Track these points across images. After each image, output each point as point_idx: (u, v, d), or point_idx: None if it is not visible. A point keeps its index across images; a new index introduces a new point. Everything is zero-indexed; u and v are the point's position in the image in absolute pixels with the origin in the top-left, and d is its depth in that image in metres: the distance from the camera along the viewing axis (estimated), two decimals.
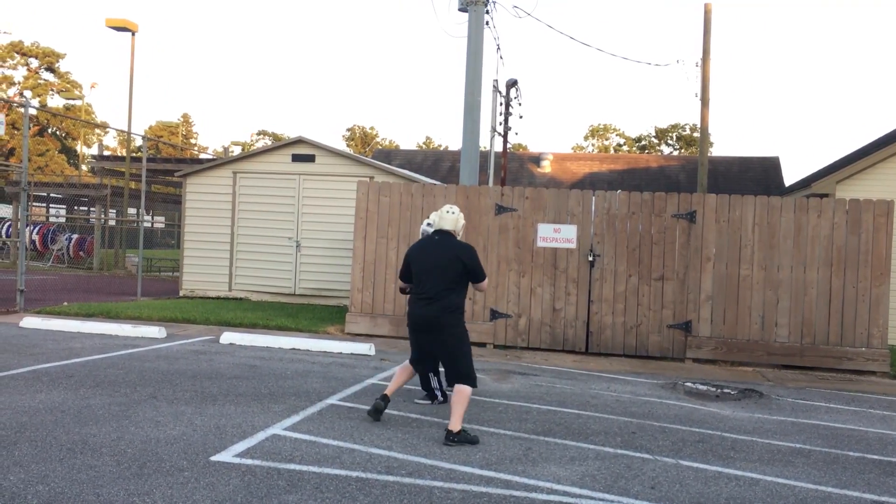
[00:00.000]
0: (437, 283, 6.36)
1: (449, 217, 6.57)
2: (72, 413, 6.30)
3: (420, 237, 7.11)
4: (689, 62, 51.49)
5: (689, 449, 6.28)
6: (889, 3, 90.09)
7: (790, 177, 54.10)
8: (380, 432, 6.22)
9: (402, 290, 6.96)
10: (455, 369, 6.32)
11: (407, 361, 6.90)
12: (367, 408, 7.02)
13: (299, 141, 16.63)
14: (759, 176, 26.62)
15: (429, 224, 7.08)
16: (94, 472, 4.84)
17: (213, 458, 5.25)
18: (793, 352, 11.21)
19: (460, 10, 16.59)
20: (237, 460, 5.24)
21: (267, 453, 5.44)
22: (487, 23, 16.92)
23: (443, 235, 6.55)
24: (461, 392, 6.14)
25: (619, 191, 12.32)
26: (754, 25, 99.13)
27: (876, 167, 13.80)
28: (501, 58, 31.94)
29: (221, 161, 17.33)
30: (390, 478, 5.07)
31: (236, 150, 57.38)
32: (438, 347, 6.45)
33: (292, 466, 5.18)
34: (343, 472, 5.11)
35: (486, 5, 15.88)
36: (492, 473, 5.30)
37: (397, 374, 6.83)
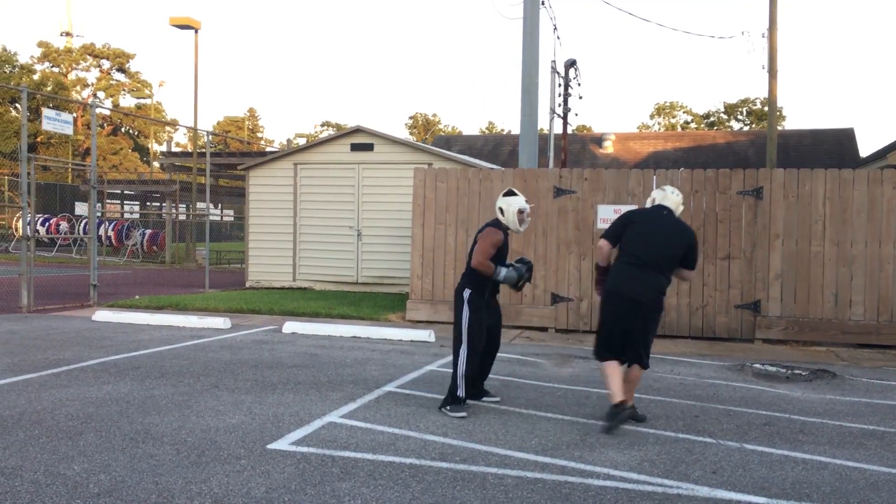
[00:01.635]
0: (658, 256, 6.05)
1: (673, 197, 6.30)
2: (136, 403, 6.47)
3: (514, 215, 6.55)
4: (756, 33, 49.87)
5: (754, 432, 6.08)
6: None
7: (866, 148, 52.03)
8: (435, 419, 6.19)
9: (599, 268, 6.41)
10: (647, 350, 6.15)
11: (600, 357, 6.17)
12: (425, 394, 7.01)
13: (357, 130, 16.72)
14: (832, 149, 25.64)
15: (526, 201, 6.68)
16: (154, 461, 4.95)
17: (270, 446, 5.31)
18: (868, 330, 10.76)
19: None
20: (293, 448, 5.29)
21: (322, 441, 5.48)
22: (543, 2, 16.68)
23: (669, 212, 6.24)
24: (639, 373, 6.17)
25: (681, 169, 12.00)
26: None
27: None
28: (559, 38, 31.53)
29: (282, 153, 17.57)
30: (444, 464, 5.04)
31: (301, 142, 58.15)
32: (639, 324, 6.04)
33: (347, 454, 5.19)
34: (397, 459, 5.11)
35: None
36: (547, 459, 5.22)
37: (612, 377, 6.07)
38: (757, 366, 9.09)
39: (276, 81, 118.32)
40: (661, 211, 6.23)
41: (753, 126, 63.86)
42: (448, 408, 6.34)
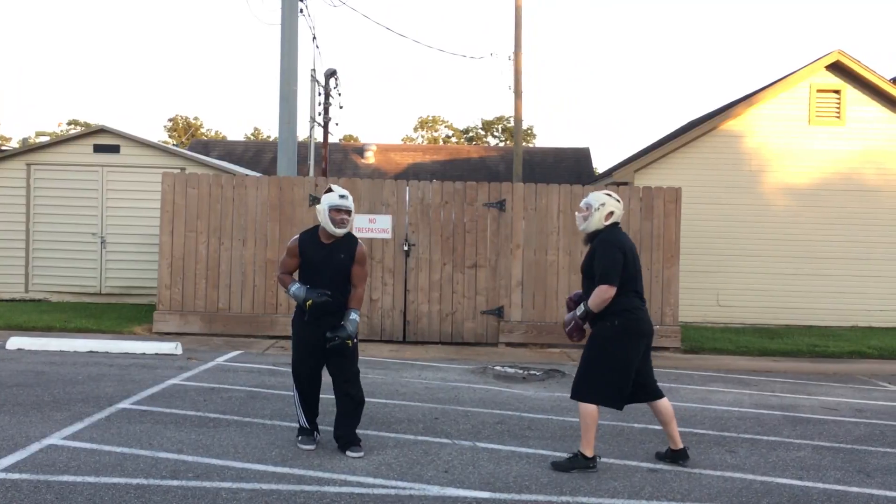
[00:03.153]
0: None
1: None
2: None
3: (326, 213, 5.67)
4: (503, 55, 53.12)
5: (487, 431, 6.45)
6: (696, 4, 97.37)
7: (603, 165, 57.29)
8: (171, 435, 5.92)
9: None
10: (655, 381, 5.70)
11: (593, 408, 5.43)
12: (163, 410, 6.69)
13: (101, 130, 15.61)
14: (571, 166, 27.92)
15: (342, 197, 5.71)
16: None
17: None
18: None
19: None
20: (1, 475, 4.81)
21: (38, 466, 5.03)
22: (302, 10, 16.61)
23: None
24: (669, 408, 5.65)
25: (433, 180, 12.49)
26: (571, 22, 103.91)
27: (668, 157, 14.82)
28: (318, 47, 31.58)
29: (12, 152, 15.96)
30: (174, 482, 4.83)
31: (44, 141, 53.03)
32: (645, 359, 5.55)
33: (65, 478, 4.81)
34: (122, 481, 4.82)
35: None
36: (286, 469, 5.18)
37: (589, 426, 5.41)
38: (497, 368, 9.66)
39: (15, 73, 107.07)
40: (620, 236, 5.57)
41: (508, 143, 67.91)
42: (298, 438, 5.82)
